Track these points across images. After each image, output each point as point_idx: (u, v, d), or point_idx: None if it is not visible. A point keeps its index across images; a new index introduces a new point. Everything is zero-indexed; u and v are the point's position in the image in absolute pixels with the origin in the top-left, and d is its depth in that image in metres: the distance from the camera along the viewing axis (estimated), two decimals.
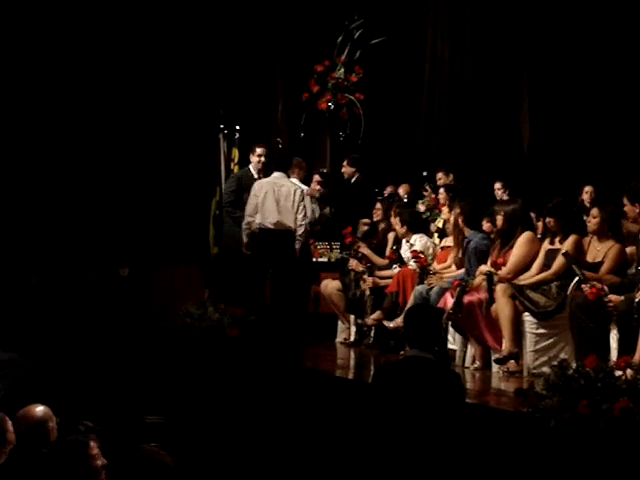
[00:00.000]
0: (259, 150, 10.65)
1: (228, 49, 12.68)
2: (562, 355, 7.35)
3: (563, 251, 7.63)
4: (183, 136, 12.32)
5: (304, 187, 10.35)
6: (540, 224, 8.44)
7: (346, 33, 13.05)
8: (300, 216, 9.89)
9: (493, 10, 12.42)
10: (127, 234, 11.89)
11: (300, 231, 9.89)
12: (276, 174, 10.10)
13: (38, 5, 11.90)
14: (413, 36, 13.07)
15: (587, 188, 10.33)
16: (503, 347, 7.81)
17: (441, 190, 10.24)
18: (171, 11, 12.38)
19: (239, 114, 12.20)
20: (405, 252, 9.55)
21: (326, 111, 13.06)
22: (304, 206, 9.96)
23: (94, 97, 12.08)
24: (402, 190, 11.15)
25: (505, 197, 10.17)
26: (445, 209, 9.51)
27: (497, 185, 10.65)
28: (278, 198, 9.89)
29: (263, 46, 13.00)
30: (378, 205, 10.38)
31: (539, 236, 8.33)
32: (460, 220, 8.72)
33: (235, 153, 11.52)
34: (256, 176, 10.56)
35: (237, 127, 11.82)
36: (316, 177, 11.19)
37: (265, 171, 10.51)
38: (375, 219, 10.40)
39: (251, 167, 10.71)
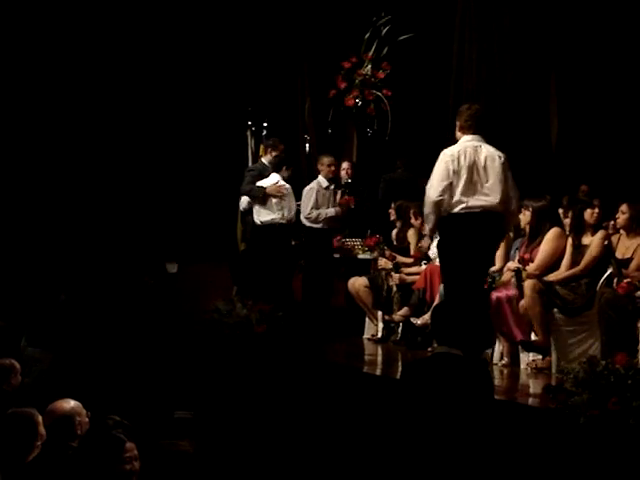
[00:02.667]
0: (280, 147, 10.71)
1: (256, 46, 12.70)
2: (591, 352, 7.31)
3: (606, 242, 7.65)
4: (211, 133, 12.37)
5: (287, 185, 10.48)
6: (568, 220, 8.42)
7: (373, 29, 13.01)
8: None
9: (522, 6, 12.37)
10: (158, 232, 11.96)
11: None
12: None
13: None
14: (441, 32, 13.01)
15: (583, 187, 10.45)
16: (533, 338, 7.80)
17: None
18: (200, 9, 12.41)
19: (267, 111, 12.23)
20: (433, 248, 9.55)
21: (353, 107, 13.02)
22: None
23: (126, 98, 12.15)
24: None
25: None
26: None
27: None
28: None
29: (290, 43, 13.01)
30: (392, 205, 10.47)
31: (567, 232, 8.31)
32: None
33: (263, 150, 11.53)
34: (271, 170, 10.64)
35: (265, 124, 11.84)
36: (345, 164, 11.16)
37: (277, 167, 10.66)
38: (392, 219, 10.46)
39: (266, 162, 10.74)
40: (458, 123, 7.50)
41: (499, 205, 7.21)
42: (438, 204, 7.21)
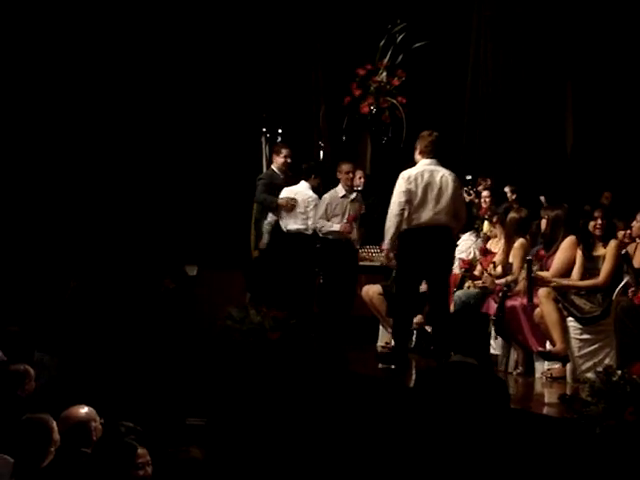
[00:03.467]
0: (285, 151, 10.67)
1: (271, 53, 12.71)
2: (607, 361, 7.28)
3: (623, 252, 7.60)
4: (226, 139, 12.38)
5: (313, 195, 10.49)
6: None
7: (389, 37, 13.01)
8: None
9: (537, 14, 12.35)
10: (177, 235, 11.99)
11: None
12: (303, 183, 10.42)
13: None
14: (456, 40, 13.02)
15: (606, 194, 10.43)
16: (550, 348, 7.76)
17: (485, 194, 10.19)
18: (215, 15, 12.43)
19: (281, 117, 12.23)
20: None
21: (368, 115, 13.02)
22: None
23: (142, 102, 12.18)
24: None
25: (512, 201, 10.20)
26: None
27: (507, 189, 10.56)
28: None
29: (305, 49, 13.01)
30: None
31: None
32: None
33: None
34: (281, 176, 10.61)
35: (279, 130, 11.84)
36: (358, 173, 11.11)
37: (288, 172, 10.69)
38: None
39: (275, 168, 10.72)
40: (418, 147, 8.44)
41: (449, 221, 8.28)
42: (397, 220, 8.21)
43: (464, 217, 8.59)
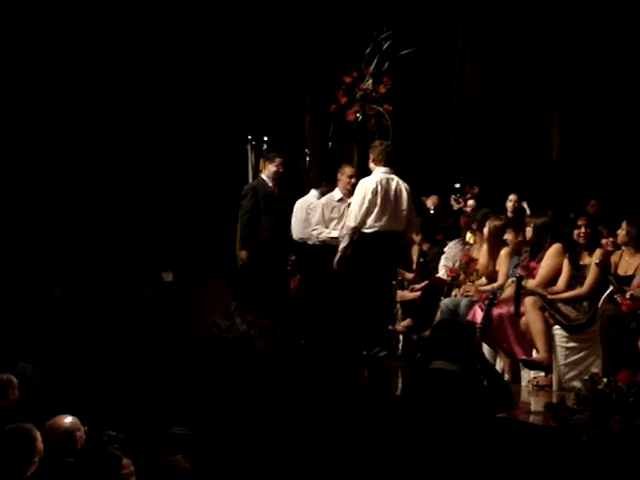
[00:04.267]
0: (278, 160, 10.62)
1: (257, 60, 12.70)
2: (593, 369, 7.27)
3: (597, 261, 7.61)
4: (211, 147, 12.36)
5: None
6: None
7: (374, 44, 13.00)
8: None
9: (523, 22, 12.39)
10: (156, 245, 11.94)
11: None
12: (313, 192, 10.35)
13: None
14: (442, 47, 13.05)
15: (592, 202, 10.47)
16: (535, 356, 7.76)
17: (470, 202, 10.20)
18: (202, 22, 12.42)
19: (267, 125, 12.22)
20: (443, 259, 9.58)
21: (354, 122, 13.00)
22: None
23: (126, 110, 12.15)
24: (430, 202, 11.11)
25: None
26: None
27: (511, 197, 10.51)
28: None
29: (291, 57, 13.01)
30: None
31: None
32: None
33: (263, 164, 11.50)
34: (270, 184, 10.55)
35: (265, 138, 11.82)
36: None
37: (278, 179, 10.58)
38: None
39: (265, 176, 10.66)
40: (371, 156, 9.08)
41: (402, 227, 8.96)
42: (356, 228, 8.88)
43: (417, 223, 9.31)
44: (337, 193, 10.14)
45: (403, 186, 8.97)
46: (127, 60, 12.19)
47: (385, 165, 8.97)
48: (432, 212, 10.69)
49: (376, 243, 8.88)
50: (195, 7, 12.47)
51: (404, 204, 8.96)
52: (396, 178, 8.96)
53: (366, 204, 8.81)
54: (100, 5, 12.16)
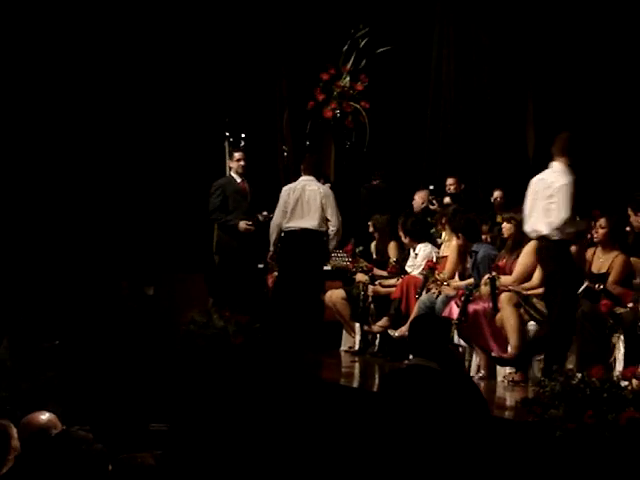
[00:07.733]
0: (237, 155, 10.70)
1: (234, 57, 12.67)
2: (568, 365, 7.32)
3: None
4: (188, 143, 12.32)
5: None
6: None
7: (352, 41, 13.05)
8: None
9: (499, 19, 12.43)
10: (132, 242, 11.89)
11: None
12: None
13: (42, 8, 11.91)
14: (419, 45, 13.07)
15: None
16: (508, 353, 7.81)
17: (447, 200, 10.23)
18: (178, 19, 12.38)
19: (244, 122, 12.21)
20: (411, 260, 9.56)
21: (331, 119, 13.05)
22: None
23: (101, 107, 12.08)
24: (419, 197, 11.09)
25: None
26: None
27: (497, 193, 10.62)
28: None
29: (268, 54, 13.00)
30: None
31: None
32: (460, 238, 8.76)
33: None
34: (239, 180, 10.60)
35: (242, 135, 11.82)
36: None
37: (246, 174, 10.68)
38: (370, 230, 10.43)
39: (233, 173, 10.74)
40: (302, 166, 10.31)
41: (317, 226, 9.98)
42: (278, 226, 10.08)
43: (336, 222, 10.04)
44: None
45: (318, 192, 10.03)
46: (104, 58, 12.10)
47: (310, 174, 10.16)
48: (418, 210, 10.74)
49: (294, 241, 10.08)
50: (173, 4, 12.42)
51: (316, 207, 9.99)
52: (314, 185, 10.10)
53: (283, 207, 10.05)
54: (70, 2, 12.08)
